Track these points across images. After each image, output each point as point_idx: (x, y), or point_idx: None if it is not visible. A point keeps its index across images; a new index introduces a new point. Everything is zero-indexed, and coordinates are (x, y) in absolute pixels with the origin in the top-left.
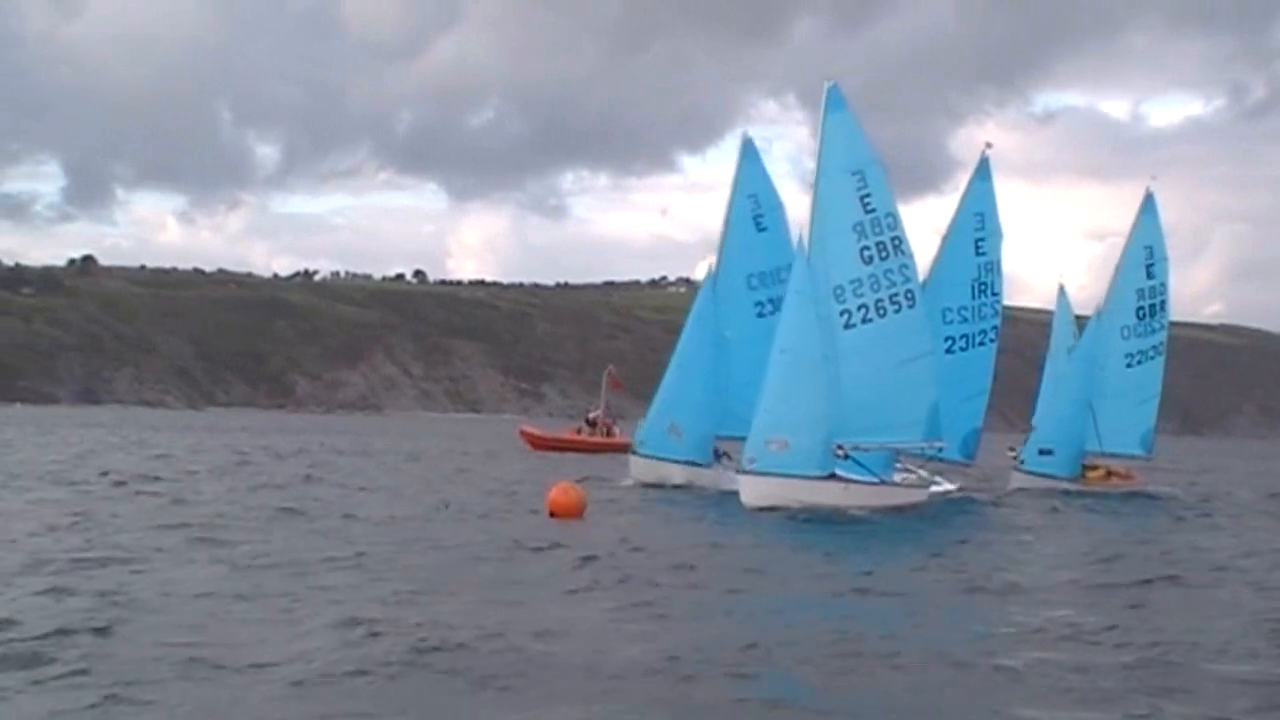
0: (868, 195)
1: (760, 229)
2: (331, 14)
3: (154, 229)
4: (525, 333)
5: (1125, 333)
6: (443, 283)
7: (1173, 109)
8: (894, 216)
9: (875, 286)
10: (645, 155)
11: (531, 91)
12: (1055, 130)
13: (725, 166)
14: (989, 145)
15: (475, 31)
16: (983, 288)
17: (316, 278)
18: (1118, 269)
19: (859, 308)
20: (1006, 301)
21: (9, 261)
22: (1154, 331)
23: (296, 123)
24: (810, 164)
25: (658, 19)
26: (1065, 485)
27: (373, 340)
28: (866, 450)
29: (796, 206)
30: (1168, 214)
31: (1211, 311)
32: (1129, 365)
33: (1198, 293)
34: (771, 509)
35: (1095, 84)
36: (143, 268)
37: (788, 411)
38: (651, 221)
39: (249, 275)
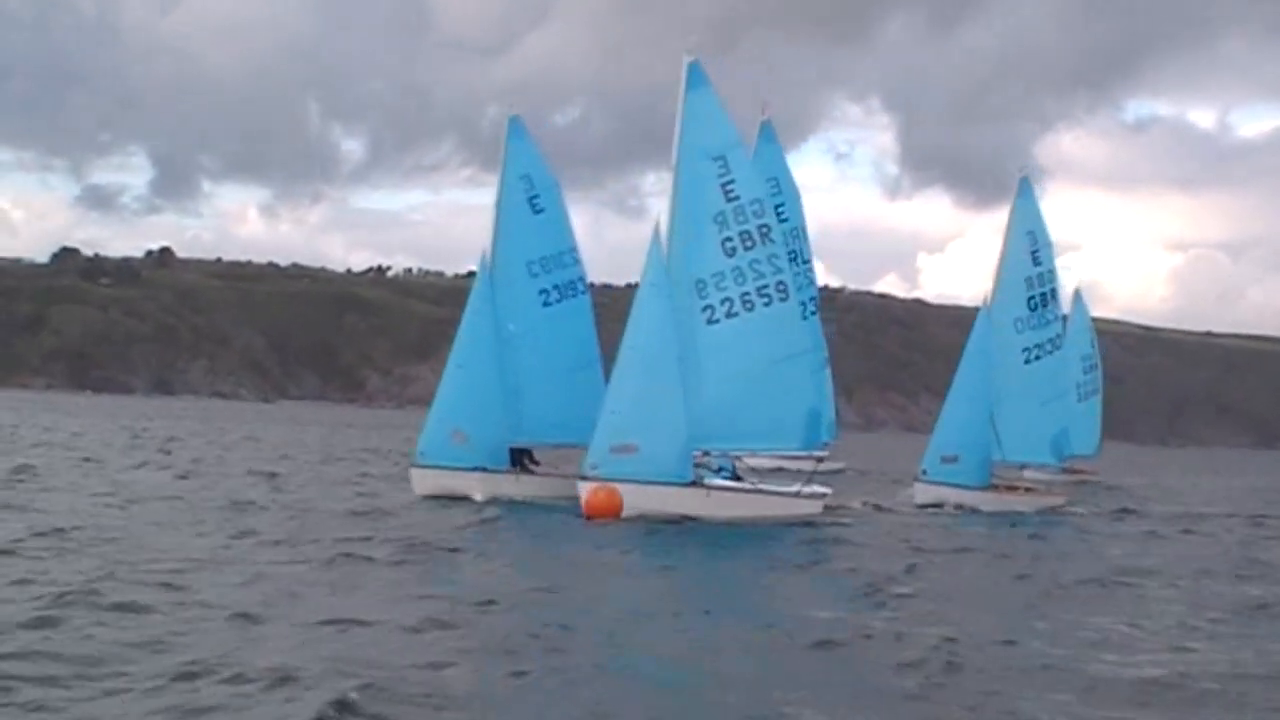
0: (730, 182)
1: (536, 211)
2: (423, 10)
3: (235, 222)
4: None
5: (1019, 325)
6: None
7: (1262, 119)
8: (761, 203)
9: (740, 279)
10: None
11: (618, 90)
12: (1145, 139)
13: (808, 170)
14: (765, 111)
15: (564, 30)
16: (793, 256)
17: (390, 273)
18: (1001, 258)
19: (723, 301)
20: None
21: (89, 252)
22: (1048, 323)
23: (383, 118)
24: (893, 170)
25: (747, 19)
26: (973, 498)
27: (443, 336)
28: (735, 458)
29: (877, 211)
30: (1255, 225)
31: None
32: (1027, 361)
33: None
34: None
35: (1187, 91)
36: (218, 260)
37: (637, 414)
38: None
39: (322, 269)
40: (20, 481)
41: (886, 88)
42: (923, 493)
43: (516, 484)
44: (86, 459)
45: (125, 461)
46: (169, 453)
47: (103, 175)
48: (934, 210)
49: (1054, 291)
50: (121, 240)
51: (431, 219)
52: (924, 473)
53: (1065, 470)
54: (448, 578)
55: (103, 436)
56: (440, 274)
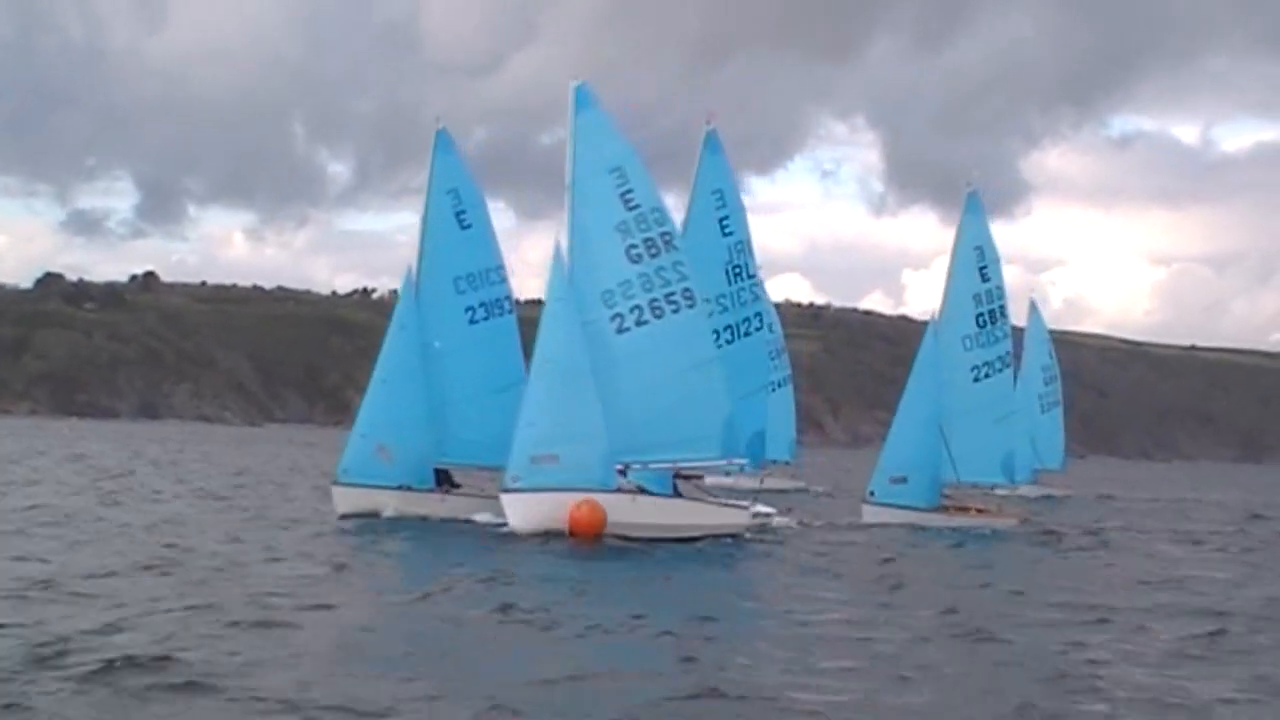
0: (629, 191)
1: (464, 226)
2: (410, 31)
3: (220, 245)
4: None
5: (968, 343)
6: None
7: (1244, 134)
8: (661, 211)
9: (648, 286)
10: None
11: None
12: (1130, 154)
13: (794, 188)
14: (709, 120)
15: (550, 48)
16: (737, 271)
17: (375, 295)
18: (949, 274)
19: (631, 309)
20: (1063, 326)
21: (73, 276)
22: (997, 340)
23: (370, 140)
24: (879, 187)
25: (734, 38)
26: (922, 520)
27: None
28: (656, 469)
29: (863, 228)
30: (1238, 239)
31: (1277, 339)
32: (976, 379)
33: (1266, 320)
34: (546, 533)
35: (1171, 106)
36: (203, 284)
37: (555, 425)
38: None
39: (307, 292)
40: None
41: (872, 105)
42: (870, 514)
43: (442, 503)
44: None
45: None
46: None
47: (88, 200)
48: (919, 227)
49: (1002, 308)
50: (106, 265)
51: (417, 240)
52: (871, 494)
53: (1040, 485)
54: None
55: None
56: None
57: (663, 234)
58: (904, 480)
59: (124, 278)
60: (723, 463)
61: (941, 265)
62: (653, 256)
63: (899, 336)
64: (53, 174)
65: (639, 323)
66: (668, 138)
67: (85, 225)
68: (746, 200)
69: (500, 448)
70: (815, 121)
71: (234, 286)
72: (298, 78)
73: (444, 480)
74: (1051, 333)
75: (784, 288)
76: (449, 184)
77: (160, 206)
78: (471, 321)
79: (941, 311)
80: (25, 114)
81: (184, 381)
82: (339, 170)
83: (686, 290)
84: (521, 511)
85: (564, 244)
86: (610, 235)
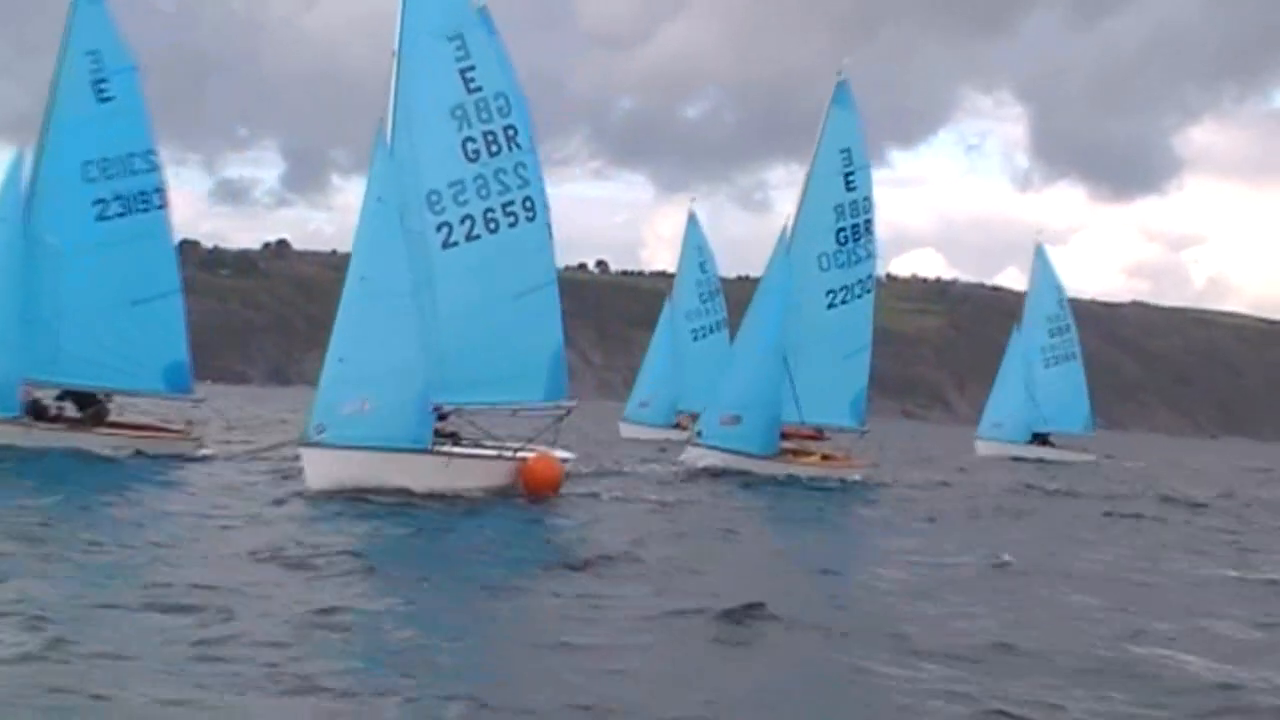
0: (470, 68)
1: (103, 99)
2: (564, 4)
3: (357, 215)
4: None
5: (824, 262)
6: (624, 273)
7: None
8: (506, 98)
9: (484, 192)
10: None
11: (752, 83)
12: None
13: (934, 161)
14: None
15: (701, 21)
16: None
17: None
18: (807, 179)
19: (462, 220)
20: (1204, 304)
21: (209, 244)
22: (860, 260)
23: None
24: (1024, 162)
25: (886, 12)
26: (754, 466)
27: None
28: (473, 411)
29: (1006, 203)
30: None
31: None
32: (831, 305)
33: None
34: (340, 491)
35: None
36: (334, 252)
37: (370, 362)
38: None
39: None
40: None
41: (1021, 79)
42: (693, 457)
43: (26, 435)
44: None
45: None
46: None
47: (236, 169)
48: (1064, 202)
49: (869, 224)
50: (247, 233)
51: (553, 209)
52: (699, 435)
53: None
54: None
55: None
56: (563, 267)
57: (506, 127)
58: (737, 420)
59: (256, 245)
60: (549, 405)
61: (1081, 240)
62: (493, 155)
63: None
64: (204, 143)
65: (469, 237)
66: (816, 112)
67: (231, 194)
68: (885, 173)
69: (122, 368)
70: (961, 95)
71: None
72: None
73: (81, 402)
74: (1188, 311)
75: (913, 263)
76: (89, 43)
77: (306, 176)
78: (101, 217)
79: (794, 224)
80: (184, 84)
81: (314, 348)
82: None
83: (527, 200)
84: (321, 471)
85: (387, 126)
86: (443, 120)
